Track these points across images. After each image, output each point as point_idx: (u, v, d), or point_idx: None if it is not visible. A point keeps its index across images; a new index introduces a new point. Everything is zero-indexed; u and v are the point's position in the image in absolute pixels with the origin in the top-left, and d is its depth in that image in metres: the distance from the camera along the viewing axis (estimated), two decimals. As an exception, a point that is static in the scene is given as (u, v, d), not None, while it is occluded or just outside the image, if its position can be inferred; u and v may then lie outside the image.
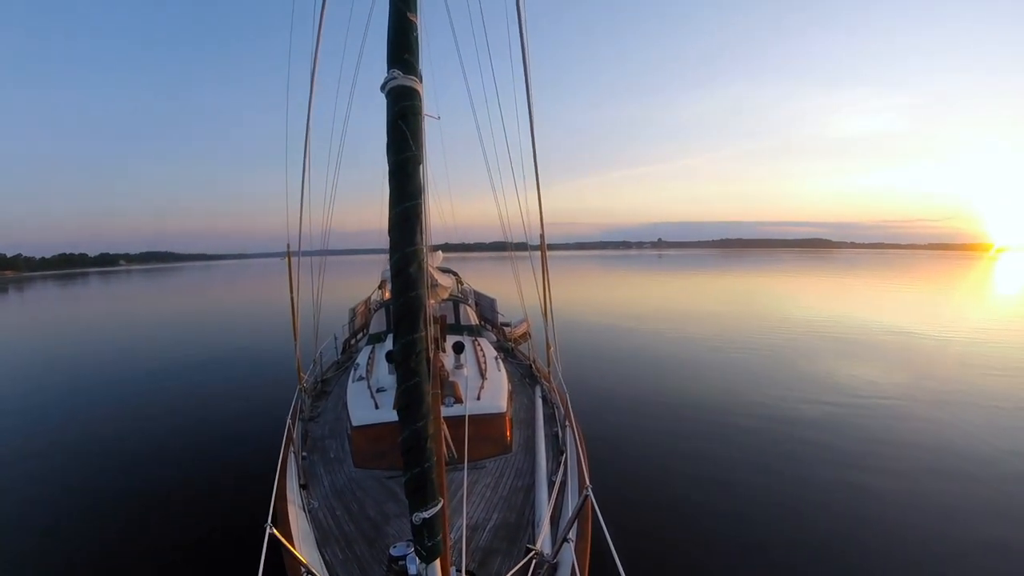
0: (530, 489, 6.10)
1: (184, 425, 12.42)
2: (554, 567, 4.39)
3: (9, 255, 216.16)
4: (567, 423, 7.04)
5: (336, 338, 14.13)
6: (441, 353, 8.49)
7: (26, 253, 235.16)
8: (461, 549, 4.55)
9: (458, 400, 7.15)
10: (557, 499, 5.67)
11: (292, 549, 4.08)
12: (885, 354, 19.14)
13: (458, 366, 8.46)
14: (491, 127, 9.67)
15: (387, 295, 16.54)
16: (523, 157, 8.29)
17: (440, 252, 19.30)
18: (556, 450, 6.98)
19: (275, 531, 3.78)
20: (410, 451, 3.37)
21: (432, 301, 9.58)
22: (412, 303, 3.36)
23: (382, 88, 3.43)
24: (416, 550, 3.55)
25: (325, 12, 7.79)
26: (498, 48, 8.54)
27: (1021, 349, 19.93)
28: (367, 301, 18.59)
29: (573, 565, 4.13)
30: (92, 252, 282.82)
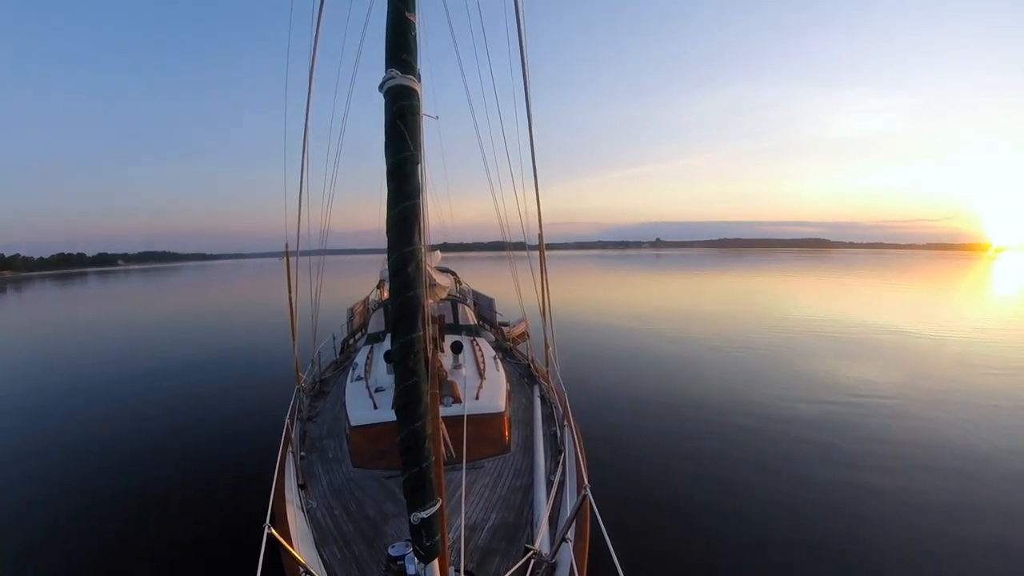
0: (528, 489, 6.10)
1: (182, 425, 12.41)
2: (552, 567, 4.39)
3: (7, 255, 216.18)
4: (565, 423, 7.04)
5: (334, 338, 14.13)
6: (439, 353, 8.49)
7: (24, 253, 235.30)
8: (460, 549, 4.54)
9: (456, 400, 7.14)
10: (555, 499, 5.67)
11: (290, 549, 4.07)
12: (883, 353, 19.16)
13: (456, 366, 8.46)
14: (489, 127, 9.67)
15: (385, 295, 16.55)
16: (522, 157, 8.30)
17: (438, 252, 19.31)
18: (554, 450, 6.98)
19: (273, 531, 3.78)
20: (408, 451, 3.37)
21: (430, 301, 9.58)
22: (410, 303, 3.36)
23: (380, 88, 3.43)
24: (414, 550, 3.55)
25: (323, 12, 7.80)
26: (497, 48, 8.54)
27: (1019, 348, 19.95)
28: (365, 301, 18.59)
29: (571, 565, 4.13)
30: (90, 252, 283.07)
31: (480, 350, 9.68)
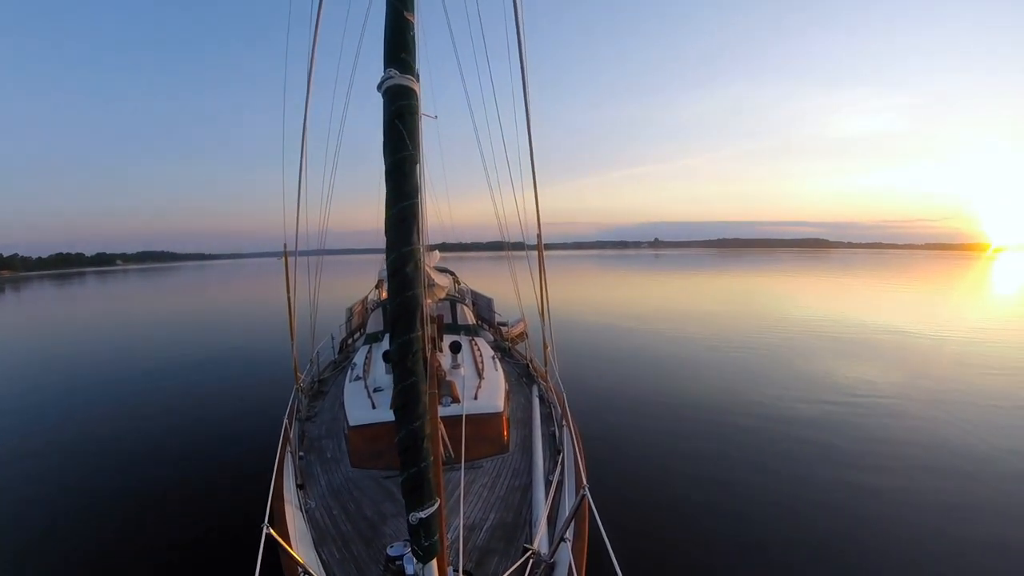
0: (527, 489, 6.10)
1: (181, 425, 12.40)
2: (551, 567, 4.40)
3: (5, 255, 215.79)
4: (564, 422, 7.04)
5: (333, 338, 14.12)
6: (438, 353, 8.49)
7: (23, 253, 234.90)
8: (458, 549, 4.54)
9: (455, 400, 7.14)
10: (554, 499, 5.67)
11: (289, 549, 4.07)
12: (883, 353, 19.18)
13: (455, 366, 8.46)
14: (488, 127, 9.69)
15: (384, 295, 16.54)
16: (521, 157, 8.30)
17: (437, 252, 19.31)
18: (553, 449, 6.98)
19: (272, 531, 3.78)
20: (407, 451, 3.37)
21: (429, 301, 9.58)
22: (409, 303, 3.36)
23: (379, 87, 3.43)
24: (413, 550, 3.55)
25: (322, 12, 7.80)
26: (496, 47, 8.54)
27: (1018, 348, 19.98)
28: (364, 301, 18.58)
29: (570, 565, 4.13)
30: (89, 252, 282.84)
31: (479, 350, 9.68)
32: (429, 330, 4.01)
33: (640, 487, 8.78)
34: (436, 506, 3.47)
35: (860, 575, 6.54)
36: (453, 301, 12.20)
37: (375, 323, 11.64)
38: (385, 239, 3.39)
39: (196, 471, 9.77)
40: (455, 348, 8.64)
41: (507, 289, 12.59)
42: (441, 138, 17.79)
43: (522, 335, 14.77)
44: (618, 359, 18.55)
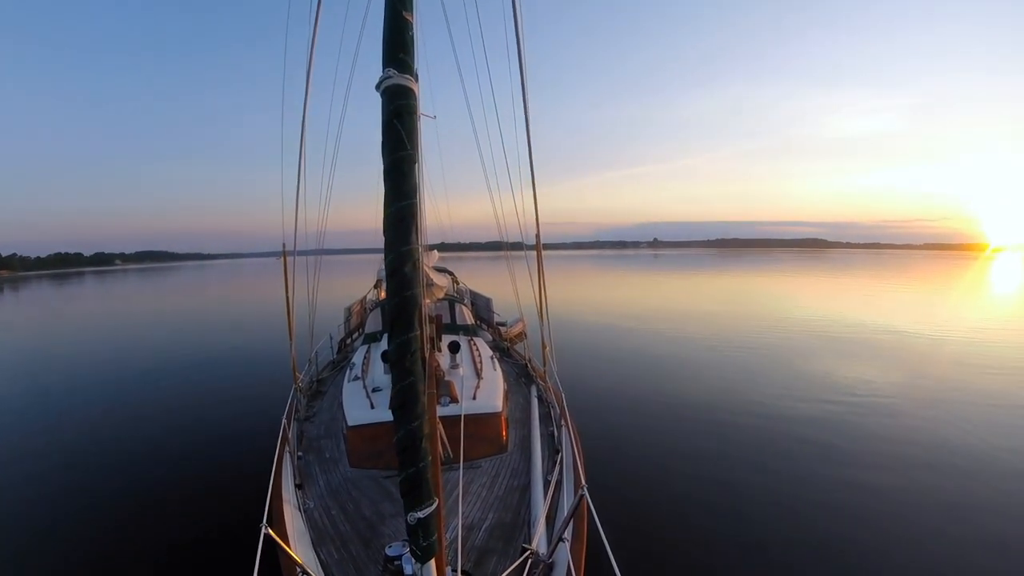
0: (526, 489, 6.10)
1: (179, 425, 12.38)
2: (550, 567, 4.40)
3: (4, 254, 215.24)
4: (563, 422, 7.04)
5: (332, 338, 14.11)
6: (437, 353, 8.49)
7: (21, 252, 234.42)
8: (457, 549, 4.54)
9: (454, 400, 7.15)
10: (553, 499, 5.67)
11: (287, 549, 4.07)
12: (882, 353, 19.20)
13: (454, 366, 8.46)
14: (487, 127, 9.69)
15: (383, 295, 16.54)
16: (520, 157, 8.31)
17: (436, 252, 19.33)
18: (552, 449, 6.98)
19: (270, 531, 3.77)
20: (405, 451, 3.37)
21: (428, 300, 9.58)
22: (407, 302, 3.35)
23: (377, 87, 3.42)
24: (411, 550, 3.54)
25: (321, 12, 7.79)
26: (495, 47, 8.55)
27: (1016, 348, 20.01)
28: (363, 300, 18.58)
29: (568, 565, 4.13)
30: (87, 251, 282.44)
31: (477, 350, 9.68)
32: (428, 330, 4.00)
33: (639, 487, 8.78)
34: (434, 506, 3.47)
35: (860, 575, 6.55)
36: (452, 301, 12.20)
37: (374, 323, 11.64)
38: (383, 239, 3.39)
39: (194, 471, 9.77)
40: (454, 348, 8.64)
41: (506, 289, 12.59)
42: (440, 138, 17.81)
43: (521, 335, 14.77)
44: (617, 359, 18.55)
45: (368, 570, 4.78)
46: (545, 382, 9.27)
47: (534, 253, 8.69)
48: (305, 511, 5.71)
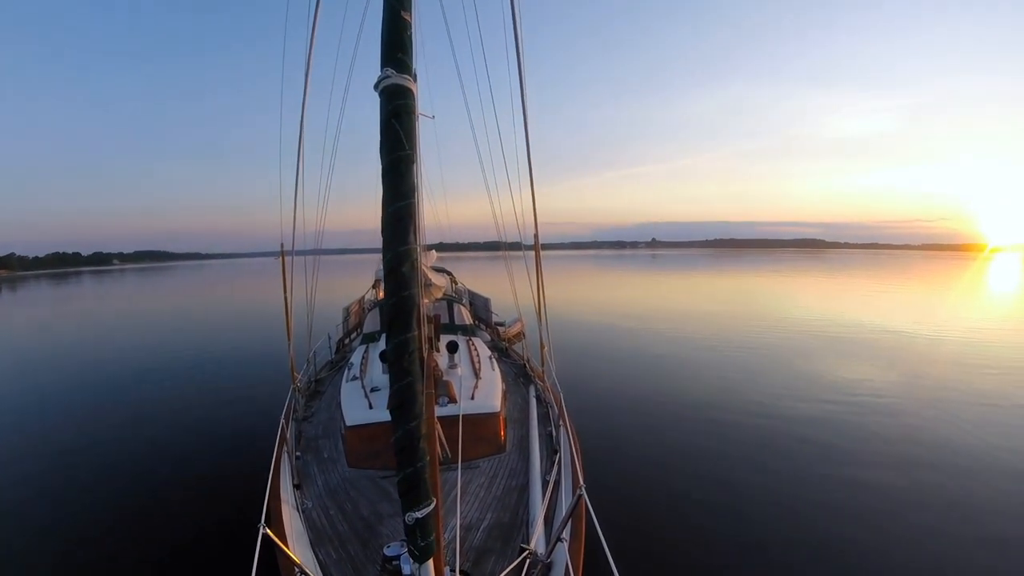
0: (524, 489, 6.10)
1: (177, 425, 12.37)
2: (548, 567, 4.40)
3: (2, 254, 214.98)
4: (561, 422, 7.05)
5: (330, 338, 14.10)
6: (435, 352, 8.49)
7: (19, 252, 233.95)
8: (455, 549, 4.54)
9: (452, 400, 7.15)
10: (551, 499, 5.67)
11: (286, 549, 4.07)
12: (881, 353, 19.22)
13: (452, 366, 8.46)
14: (485, 127, 9.68)
15: (381, 294, 16.53)
16: (518, 157, 8.30)
17: (434, 252, 19.33)
18: (550, 449, 6.99)
19: (268, 531, 3.77)
20: (403, 451, 3.37)
21: (426, 300, 9.59)
22: (405, 302, 3.35)
23: (375, 87, 3.43)
24: (409, 550, 3.54)
25: (319, 11, 7.78)
26: (494, 47, 8.54)
27: (1014, 348, 20.05)
28: (361, 300, 18.58)
29: (567, 565, 4.13)
30: (85, 251, 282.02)
31: (476, 350, 9.69)
32: (426, 330, 4.00)
33: (639, 486, 8.79)
34: (432, 506, 3.47)
35: (861, 574, 6.55)
36: (450, 301, 12.20)
37: (372, 323, 11.63)
38: (382, 239, 3.39)
39: (192, 471, 9.76)
40: (452, 348, 8.64)
41: (504, 289, 12.58)
42: (439, 138, 17.78)
43: (519, 335, 14.77)
44: (616, 359, 18.57)
45: (366, 570, 4.78)
46: (543, 382, 9.27)
47: (532, 253, 8.69)
48: (303, 511, 5.71)
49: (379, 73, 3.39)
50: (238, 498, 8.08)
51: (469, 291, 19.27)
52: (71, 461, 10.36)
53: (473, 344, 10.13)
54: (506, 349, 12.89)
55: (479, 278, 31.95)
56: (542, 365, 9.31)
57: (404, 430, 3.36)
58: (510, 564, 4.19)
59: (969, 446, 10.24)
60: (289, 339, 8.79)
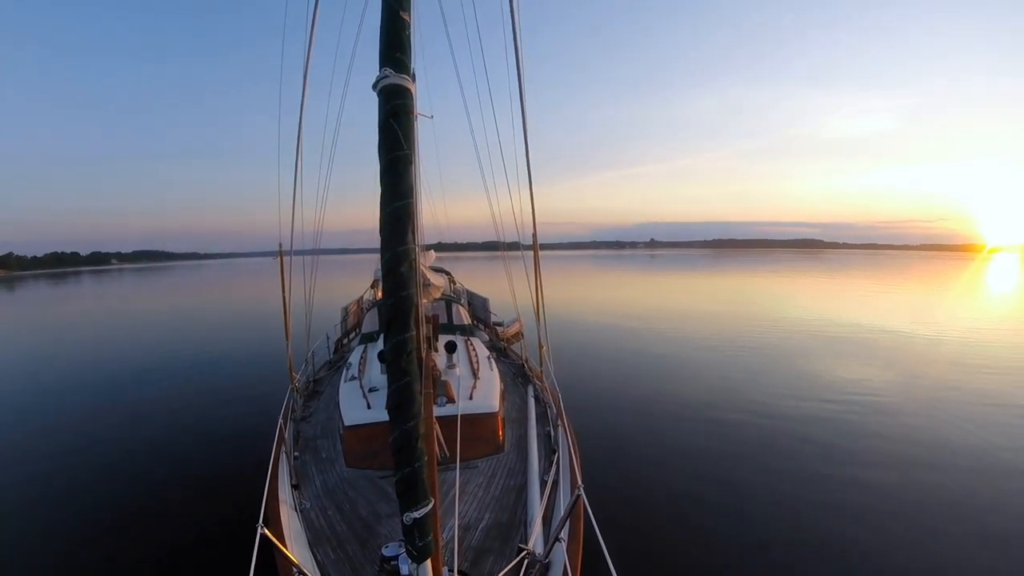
0: (522, 489, 6.10)
1: (175, 424, 12.37)
2: (546, 567, 4.39)
3: (1, 253, 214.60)
4: (559, 422, 7.05)
5: (328, 337, 14.09)
6: (433, 352, 8.49)
7: (17, 252, 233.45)
8: (453, 549, 4.54)
9: (450, 400, 7.15)
10: (549, 499, 5.67)
11: (284, 549, 4.06)
12: (880, 353, 19.25)
13: (450, 366, 8.46)
14: (484, 127, 9.68)
15: (380, 294, 16.53)
16: (517, 157, 8.30)
17: (432, 251, 19.33)
18: (548, 449, 6.99)
19: (266, 531, 3.76)
20: (401, 451, 3.37)
21: (424, 300, 9.58)
22: (403, 302, 3.35)
23: (374, 87, 3.43)
24: (407, 550, 3.54)
25: (318, 11, 7.78)
26: (492, 47, 8.54)
27: (1012, 348, 20.09)
28: (359, 300, 18.56)
29: (565, 565, 4.13)
30: (84, 251, 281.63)
31: (474, 350, 9.68)
32: (424, 330, 4.00)
33: (639, 486, 8.79)
34: (430, 506, 3.46)
35: (862, 574, 6.56)
36: (449, 301, 12.19)
37: (370, 323, 11.62)
38: (380, 239, 3.39)
39: (191, 471, 9.75)
40: (450, 348, 8.64)
41: (503, 289, 12.58)
42: (437, 138, 17.78)
43: (518, 335, 14.77)
44: (615, 359, 18.58)
45: (364, 570, 4.77)
46: (542, 382, 9.26)
47: (531, 253, 8.69)
48: (301, 511, 5.71)
49: (377, 73, 3.40)
50: (236, 498, 8.07)
51: (467, 291, 19.27)
52: (71, 461, 10.35)
53: (471, 344, 10.13)
54: (504, 349, 12.89)
55: (477, 278, 31.95)
56: (540, 365, 9.31)
57: (402, 430, 3.36)
58: (508, 564, 4.18)
59: (969, 446, 10.26)
60: (287, 339, 8.78)
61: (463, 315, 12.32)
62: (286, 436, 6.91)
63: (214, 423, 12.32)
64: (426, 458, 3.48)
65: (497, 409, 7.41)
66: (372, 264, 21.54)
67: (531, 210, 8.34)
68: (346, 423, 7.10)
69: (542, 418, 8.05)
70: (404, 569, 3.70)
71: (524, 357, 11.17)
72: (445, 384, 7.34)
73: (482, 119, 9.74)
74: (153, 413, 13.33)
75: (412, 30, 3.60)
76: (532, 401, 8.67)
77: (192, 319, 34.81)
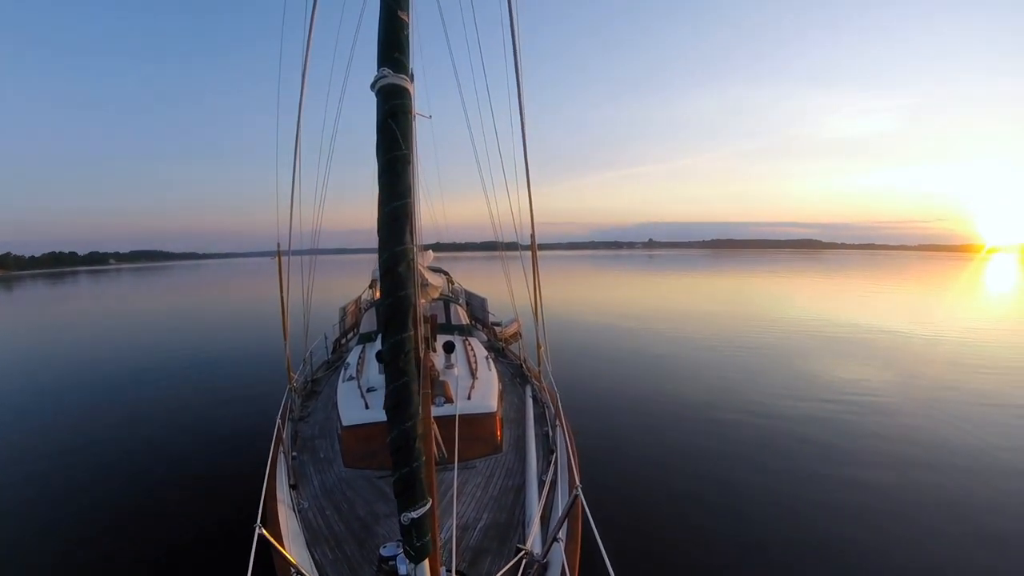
0: (520, 489, 6.09)
1: (174, 424, 12.35)
2: (544, 567, 4.39)
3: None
4: (557, 422, 7.04)
5: (326, 337, 14.08)
6: (431, 352, 8.48)
7: (15, 251, 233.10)
8: (451, 549, 4.54)
9: (448, 400, 7.14)
10: (547, 499, 5.66)
11: (281, 549, 4.06)
12: (879, 353, 19.27)
13: (449, 366, 8.46)
14: (482, 127, 9.68)
15: (378, 294, 16.53)
16: (515, 157, 8.29)
17: (431, 251, 19.33)
18: (546, 449, 6.98)
19: (264, 531, 3.76)
20: (399, 451, 3.36)
21: (422, 300, 9.58)
22: (401, 302, 3.35)
23: (372, 87, 3.42)
24: (405, 550, 3.54)
25: (316, 11, 7.77)
26: (491, 47, 8.54)
27: (1010, 348, 20.13)
28: (358, 300, 18.55)
29: (563, 565, 4.13)
30: (82, 250, 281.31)
31: (472, 350, 9.68)
32: (422, 330, 4.00)
33: (638, 486, 8.79)
34: (428, 506, 3.46)
35: (860, 574, 6.56)
36: (447, 301, 12.19)
37: (368, 323, 11.62)
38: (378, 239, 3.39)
39: (189, 471, 9.74)
40: (448, 348, 8.64)
41: (501, 289, 12.58)
42: (436, 138, 17.80)
43: (516, 335, 14.78)
44: (614, 359, 18.58)
45: (363, 570, 4.77)
46: (540, 382, 9.26)
47: (529, 253, 8.69)
48: (299, 511, 5.70)
49: (376, 73, 3.39)
50: (234, 498, 8.06)
51: (466, 291, 19.27)
52: (68, 461, 10.34)
53: (470, 344, 10.13)
54: (503, 349, 12.88)
55: (476, 278, 31.95)
56: (539, 365, 9.31)
57: (400, 430, 3.35)
58: (506, 564, 4.18)
59: (967, 446, 10.28)
60: (285, 339, 8.77)
61: (461, 315, 12.32)
62: (284, 436, 6.90)
63: (212, 423, 12.30)
64: (424, 458, 3.47)
65: (495, 409, 7.41)
66: (370, 264, 21.55)
67: (529, 210, 8.34)
68: (344, 423, 7.09)
69: (540, 418, 8.05)
70: (402, 569, 3.70)
71: (522, 357, 11.17)
72: (443, 384, 7.34)
73: (480, 119, 9.75)
74: (151, 413, 13.31)
75: (410, 30, 3.60)
76: (530, 401, 8.66)
77: (190, 319, 34.76)
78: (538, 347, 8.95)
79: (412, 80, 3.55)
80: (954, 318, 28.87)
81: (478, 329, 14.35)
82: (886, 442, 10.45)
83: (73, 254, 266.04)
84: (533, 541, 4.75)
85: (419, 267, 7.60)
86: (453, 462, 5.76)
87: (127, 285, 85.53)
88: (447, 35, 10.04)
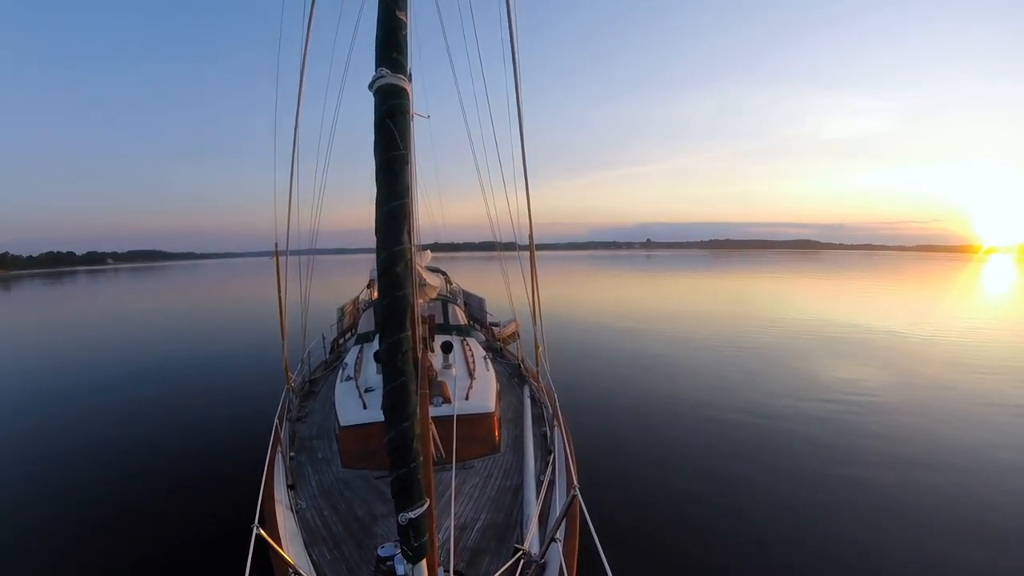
0: (518, 489, 6.09)
1: (171, 424, 12.34)
2: (542, 567, 4.39)
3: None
4: (555, 422, 7.04)
5: (324, 338, 14.07)
6: (429, 353, 8.48)
7: (13, 251, 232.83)
8: (449, 549, 4.54)
9: (446, 400, 7.14)
10: (545, 499, 5.67)
11: (279, 550, 4.05)
12: (878, 353, 19.30)
13: (447, 366, 8.46)
14: (481, 127, 9.67)
15: (376, 295, 16.50)
16: (514, 157, 8.29)
17: (429, 252, 19.32)
18: (544, 450, 6.98)
19: (262, 531, 3.76)
20: (396, 451, 3.36)
21: (420, 300, 9.56)
22: (398, 302, 3.34)
23: (370, 86, 3.42)
24: (402, 550, 3.53)
25: (315, 11, 7.76)
26: (490, 47, 8.54)
27: (1008, 348, 20.17)
28: (355, 300, 18.53)
29: (561, 565, 4.13)
30: (79, 250, 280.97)
31: (470, 350, 9.68)
32: (420, 330, 4.00)
33: (637, 486, 8.80)
34: (426, 506, 3.46)
35: (860, 574, 6.56)
36: (444, 301, 12.19)
37: (366, 323, 11.61)
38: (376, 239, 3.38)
39: (186, 471, 9.73)
40: (446, 348, 8.63)
41: (499, 289, 12.58)
42: (434, 138, 17.77)
43: (514, 335, 14.77)
44: (613, 359, 18.58)
45: (360, 571, 4.77)
46: (538, 382, 9.26)
47: (527, 253, 8.68)
48: (297, 512, 5.70)
49: (374, 73, 3.39)
50: (232, 498, 8.05)
51: (464, 291, 19.26)
52: (67, 461, 10.33)
53: (468, 344, 10.13)
54: (501, 349, 12.88)
55: (474, 278, 31.94)
56: (537, 365, 9.31)
57: (398, 430, 3.35)
58: (504, 564, 4.18)
59: (966, 445, 10.30)
60: (283, 339, 8.76)
61: (459, 315, 12.32)
62: (282, 436, 6.89)
63: (210, 423, 12.29)
64: (422, 458, 3.47)
65: (493, 409, 7.41)
66: (368, 264, 21.52)
67: (527, 210, 8.33)
68: (342, 423, 7.08)
69: (538, 418, 8.04)
70: (400, 569, 3.69)
71: (520, 357, 11.17)
72: (441, 384, 7.34)
73: (479, 119, 9.73)
74: (149, 413, 13.29)
75: (408, 30, 3.59)
76: (528, 401, 8.66)
77: (188, 319, 34.73)
78: (536, 347, 8.95)
79: (410, 80, 3.54)
80: (952, 318, 28.90)
81: (476, 329, 14.34)
82: (885, 442, 10.46)
83: (71, 254, 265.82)
84: (531, 541, 4.75)
85: (417, 267, 7.60)
86: (451, 462, 5.76)
87: (125, 285, 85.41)
88: (445, 35, 10.03)
